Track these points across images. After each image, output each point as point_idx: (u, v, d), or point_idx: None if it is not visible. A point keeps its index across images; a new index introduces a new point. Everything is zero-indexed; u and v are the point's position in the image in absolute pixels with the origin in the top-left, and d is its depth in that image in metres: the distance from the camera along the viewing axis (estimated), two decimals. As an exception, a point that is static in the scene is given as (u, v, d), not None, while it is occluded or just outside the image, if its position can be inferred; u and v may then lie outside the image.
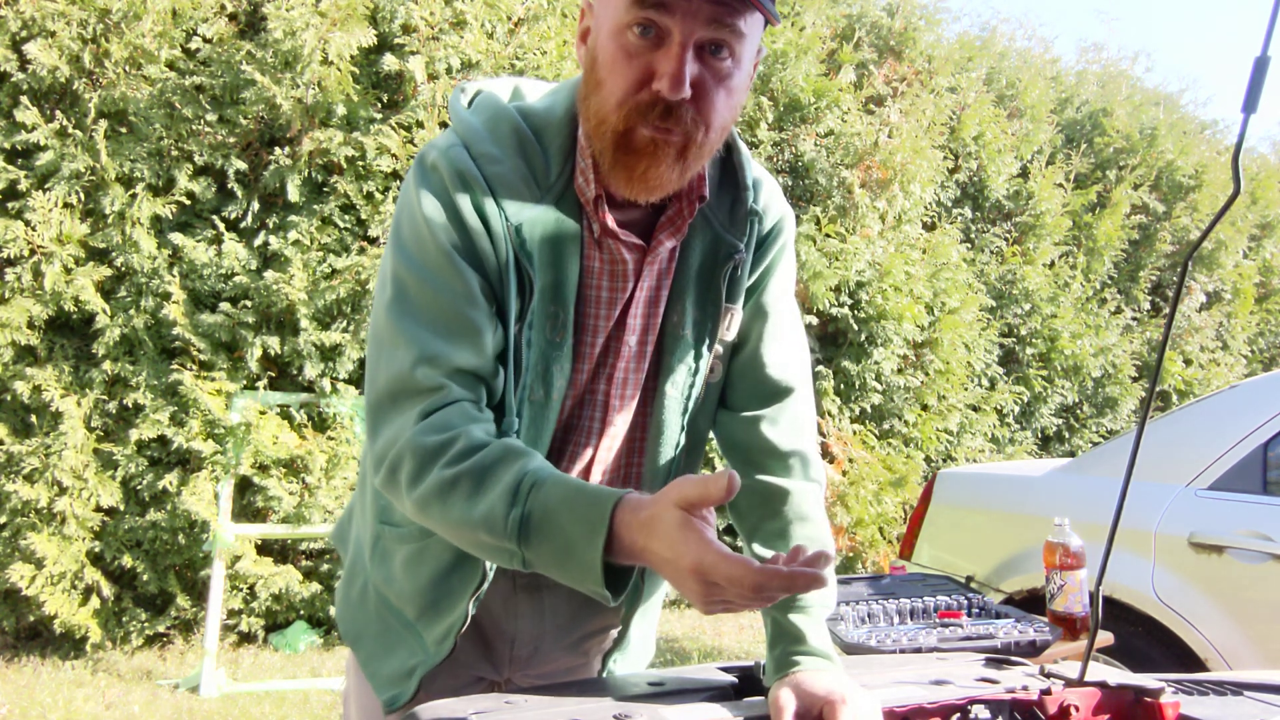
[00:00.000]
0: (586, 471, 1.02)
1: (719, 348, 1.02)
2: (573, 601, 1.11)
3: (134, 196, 3.78)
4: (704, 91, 0.83)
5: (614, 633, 1.14)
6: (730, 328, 1.02)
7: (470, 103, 0.98)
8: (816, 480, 1.03)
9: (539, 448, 0.96)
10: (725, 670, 0.94)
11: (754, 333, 1.04)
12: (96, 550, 3.74)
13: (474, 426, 0.84)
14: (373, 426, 0.90)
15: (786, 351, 1.05)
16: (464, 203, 0.89)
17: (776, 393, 1.04)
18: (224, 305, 3.86)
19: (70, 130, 3.73)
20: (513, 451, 0.82)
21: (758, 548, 0.99)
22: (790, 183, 5.44)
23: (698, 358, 1.01)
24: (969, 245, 6.28)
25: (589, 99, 0.88)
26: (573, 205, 0.93)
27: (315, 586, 3.99)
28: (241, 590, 3.92)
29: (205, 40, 3.95)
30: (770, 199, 1.04)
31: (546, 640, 1.11)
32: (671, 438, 1.02)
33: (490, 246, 0.89)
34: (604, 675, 1.12)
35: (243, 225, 3.99)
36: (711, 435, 1.11)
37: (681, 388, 1.01)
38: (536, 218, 0.90)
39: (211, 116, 3.90)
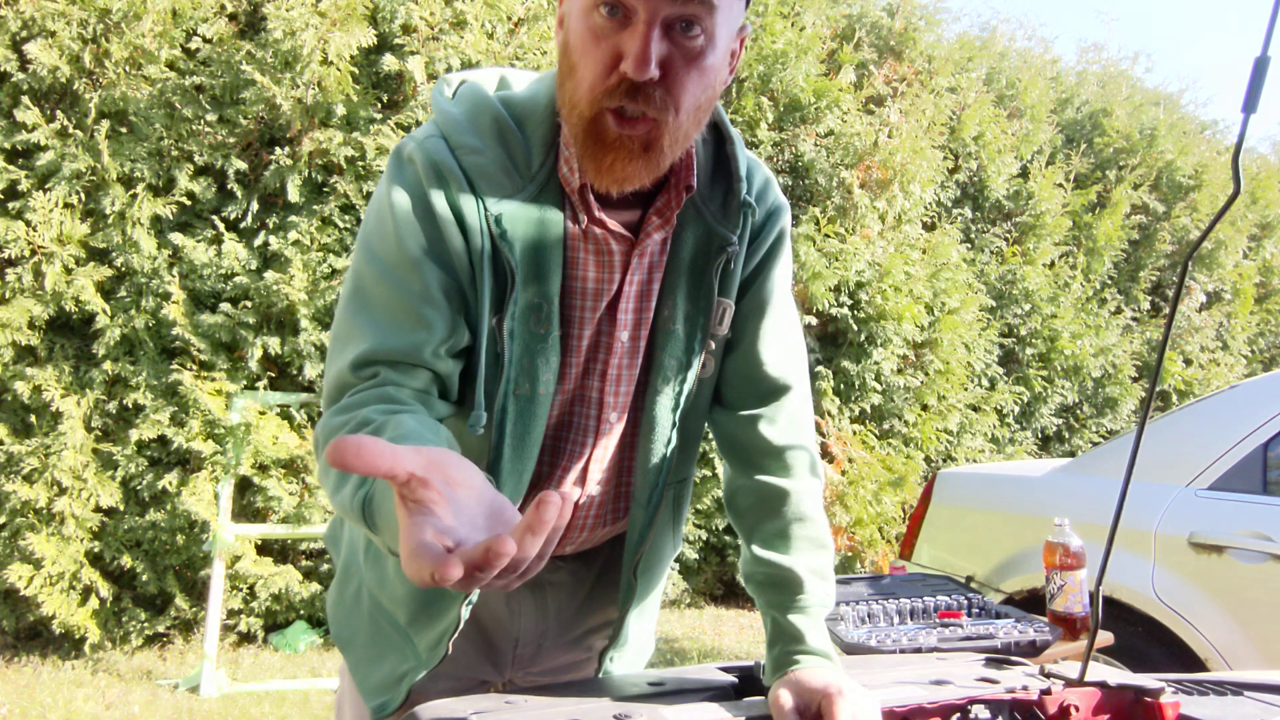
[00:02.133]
0: (584, 469, 1.01)
1: (711, 343, 1.00)
2: (575, 597, 1.10)
3: (134, 197, 3.78)
4: (673, 71, 0.80)
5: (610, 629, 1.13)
6: (723, 322, 1.00)
7: (454, 94, 0.96)
8: (816, 479, 1.02)
9: (528, 444, 0.94)
10: (725, 670, 0.94)
11: (749, 329, 1.02)
12: (96, 550, 3.74)
13: (373, 407, 0.80)
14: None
15: (783, 348, 1.04)
16: (437, 197, 0.87)
17: (773, 391, 1.02)
18: (224, 305, 3.86)
19: (71, 130, 3.73)
20: (387, 425, 0.76)
21: (756, 549, 0.99)
22: (790, 183, 5.44)
23: (689, 353, 0.99)
24: (969, 245, 6.28)
25: (564, 85, 0.86)
26: (556, 195, 0.91)
27: (315, 586, 3.98)
28: (241, 590, 3.92)
29: (205, 40, 3.95)
30: (764, 191, 1.02)
31: (549, 638, 1.11)
32: (663, 434, 1.00)
33: (463, 241, 0.88)
34: (602, 674, 1.11)
35: (243, 225, 3.99)
36: (710, 434, 1.10)
37: (673, 384, 0.99)
38: (517, 207, 0.89)
39: (211, 116, 3.90)
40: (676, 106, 0.82)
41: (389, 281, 0.87)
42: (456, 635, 0.98)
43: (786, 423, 1.02)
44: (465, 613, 0.96)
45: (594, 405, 0.99)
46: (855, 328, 5.27)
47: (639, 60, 0.77)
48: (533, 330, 0.91)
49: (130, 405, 3.79)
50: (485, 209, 0.88)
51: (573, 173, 0.90)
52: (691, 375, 1.00)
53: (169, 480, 3.72)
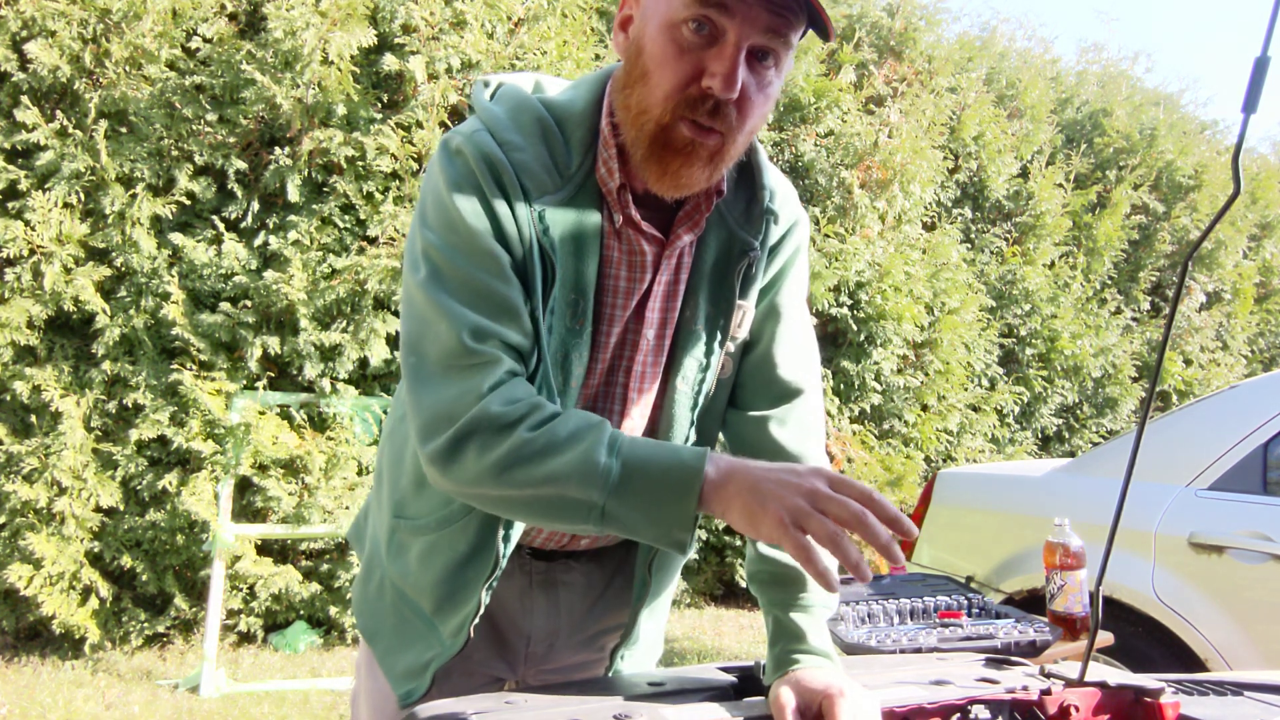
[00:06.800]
0: None
1: (730, 344, 1.03)
2: (587, 597, 1.12)
3: (134, 196, 3.78)
4: (747, 95, 0.86)
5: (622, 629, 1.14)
6: (742, 325, 1.03)
7: (493, 95, 0.98)
8: None
9: None
10: (725, 670, 0.94)
11: (766, 333, 1.05)
12: (96, 550, 3.74)
13: (541, 398, 0.88)
14: (419, 397, 0.88)
15: (798, 353, 1.07)
16: (491, 187, 0.89)
17: (786, 394, 1.05)
18: (224, 305, 3.86)
19: (70, 130, 3.73)
20: (591, 417, 0.86)
21: (761, 547, 1.00)
22: (790, 183, 5.44)
23: (709, 353, 1.02)
24: (969, 245, 6.29)
25: (632, 89, 0.89)
26: (594, 195, 0.94)
27: (315, 586, 3.98)
28: (241, 590, 3.92)
29: (205, 40, 3.95)
30: (786, 202, 1.06)
31: (561, 637, 1.12)
32: (680, 433, 1.03)
33: (516, 231, 0.90)
34: (611, 672, 1.13)
35: (243, 225, 3.99)
36: (720, 434, 1.12)
37: (692, 383, 1.02)
38: (559, 205, 0.92)
39: (212, 116, 3.90)
40: (743, 127, 0.87)
41: (465, 264, 0.88)
42: (478, 620, 1.01)
43: (796, 426, 1.04)
44: (486, 597, 0.99)
45: (617, 401, 1.02)
46: (855, 328, 5.27)
47: (728, 80, 0.82)
48: (569, 325, 0.94)
49: (130, 405, 3.79)
50: (531, 204, 0.90)
51: (610, 175, 0.94)
52: (710, 375, 1.03)
53: (169, 480, 3.72)
